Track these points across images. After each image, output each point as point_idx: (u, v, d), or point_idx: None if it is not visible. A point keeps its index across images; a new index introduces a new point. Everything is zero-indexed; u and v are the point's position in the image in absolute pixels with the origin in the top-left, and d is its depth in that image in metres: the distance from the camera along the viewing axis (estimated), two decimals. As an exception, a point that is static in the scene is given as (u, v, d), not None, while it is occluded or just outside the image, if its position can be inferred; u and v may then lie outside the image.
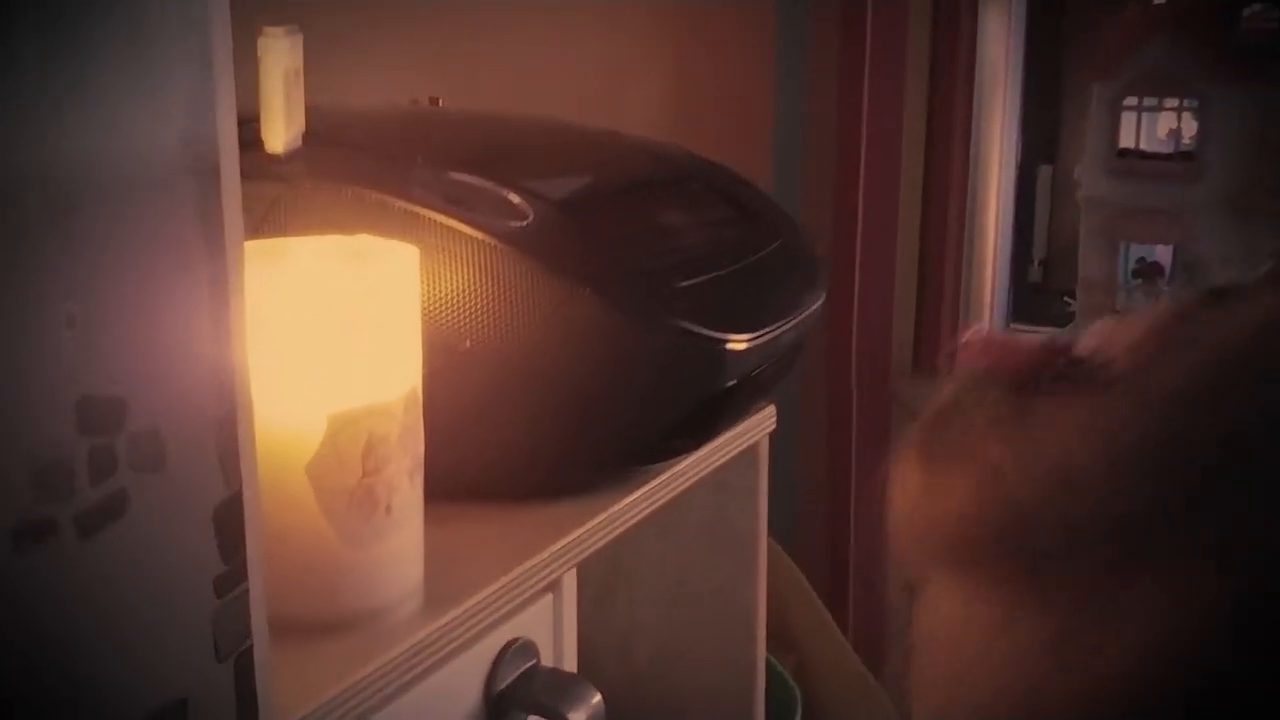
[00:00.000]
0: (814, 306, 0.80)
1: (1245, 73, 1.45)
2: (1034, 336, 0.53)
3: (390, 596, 0.54)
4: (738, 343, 0.69)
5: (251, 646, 0.43)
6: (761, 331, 0.71)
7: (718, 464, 0.78)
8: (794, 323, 0.76)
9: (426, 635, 0.54)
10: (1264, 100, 1.44)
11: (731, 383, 0.70)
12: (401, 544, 0.54)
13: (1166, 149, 1.52)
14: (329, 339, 0.51)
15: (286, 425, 0.51)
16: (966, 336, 0.56)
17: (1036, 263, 1.85)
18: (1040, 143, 1.80)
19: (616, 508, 0.67)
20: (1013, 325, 1.81)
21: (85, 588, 0.37)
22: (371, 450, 0.52)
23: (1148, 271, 1.57)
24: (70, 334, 0.36)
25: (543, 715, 0.59)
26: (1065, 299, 1.80)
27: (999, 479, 0.47)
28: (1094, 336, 0.48)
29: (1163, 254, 1.54)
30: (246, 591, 0.43)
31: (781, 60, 1.60)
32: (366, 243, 0.54)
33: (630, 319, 0.64)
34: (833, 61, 1.66)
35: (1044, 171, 1.81)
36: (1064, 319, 1.78)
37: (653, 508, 0.70)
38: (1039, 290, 1.85)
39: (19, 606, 0.36)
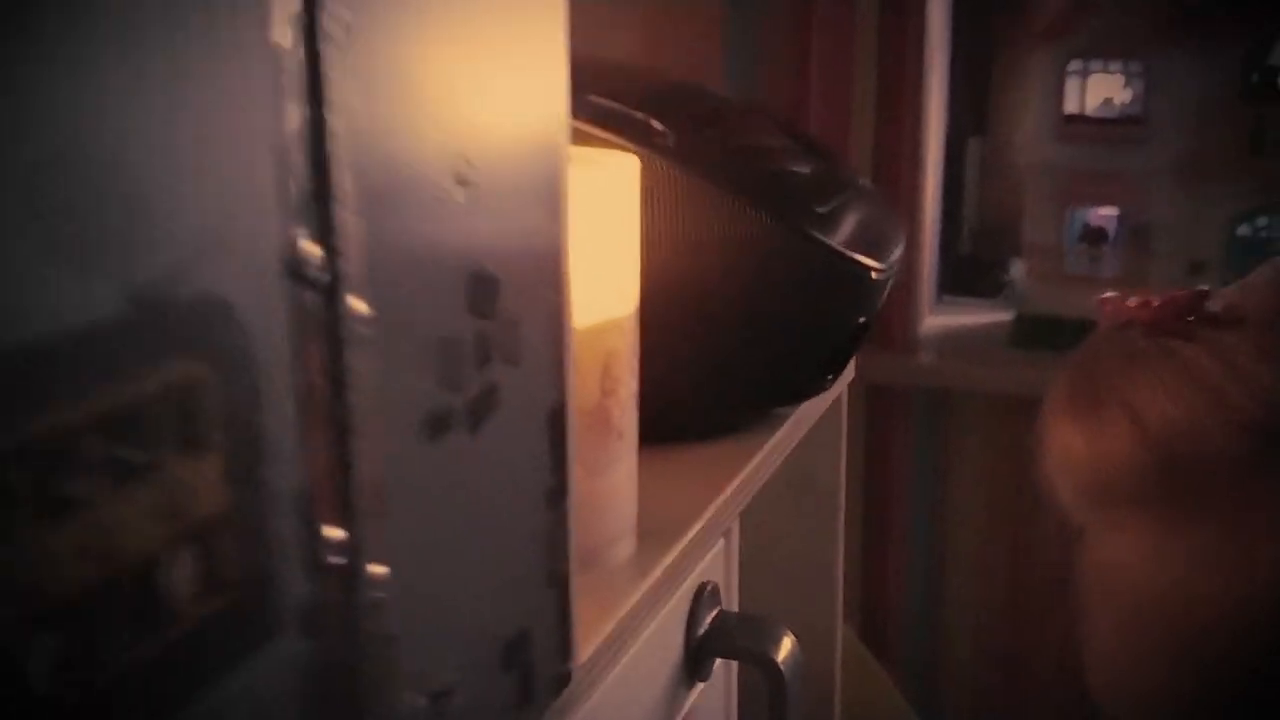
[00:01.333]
0: (902, 247, 0.78)
1: (1189, 35, 1.49)
2: (1167, 291, 0.53)
3: (612, 531, 0.50)
4: (879, 271, 0.66)
5: (568, 569, 0.39)
6: (889, 263, 0.69)
7: (823, 409, 0.75)
8: (897, 259, 0.74)
9: (653, 577, 0.50)
10: (1207, 63, 1.48)
11: (872, 312, 0.68)
12: (628, 473, 0.50)
13: (1112, 114, 1.55)
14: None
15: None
16: (1104, 296, 0.57)
17: (966, 233, 1.87)
18: (969, 115, 1.82)
19: (772, 442, 0.63)
20: (945, 297, 1.83)
21: (468, 489, 0.32)
22: (608, 370, 0.48)
23: (1091, 237, 1.60)
24: (464, 193, 0.31)
25: (745, 658, 0.56)
26: (995, 269, 1.82)
27: (1152, 417, 0.51)
28: (1222, 296, 0.53)
29: (1105, 219, 1.57)
30: (569, 510, 0.38)
31: (733, 39, 1.58)
32: (586, 153, 0.50)
33: (788, 234, 0.61)
34: (782, 43, 1.65)
35: (973, 143, 1.83)
36: (996, 289, 1.80)
37: (790, 448, 0.67)
38: (969, 261, 1.88)
39: (424, 504, 0.30)
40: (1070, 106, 1.56)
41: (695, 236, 0.58)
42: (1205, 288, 0.55)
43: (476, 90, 0.31)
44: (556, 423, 0.37)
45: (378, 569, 0.28)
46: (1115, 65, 1.54)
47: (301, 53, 0.24)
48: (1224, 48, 1.48)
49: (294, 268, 0.24)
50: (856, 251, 0.64)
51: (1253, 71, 1.48)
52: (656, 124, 0.62)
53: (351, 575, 0.27)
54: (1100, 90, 1.56)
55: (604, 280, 0.47)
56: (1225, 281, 1.30)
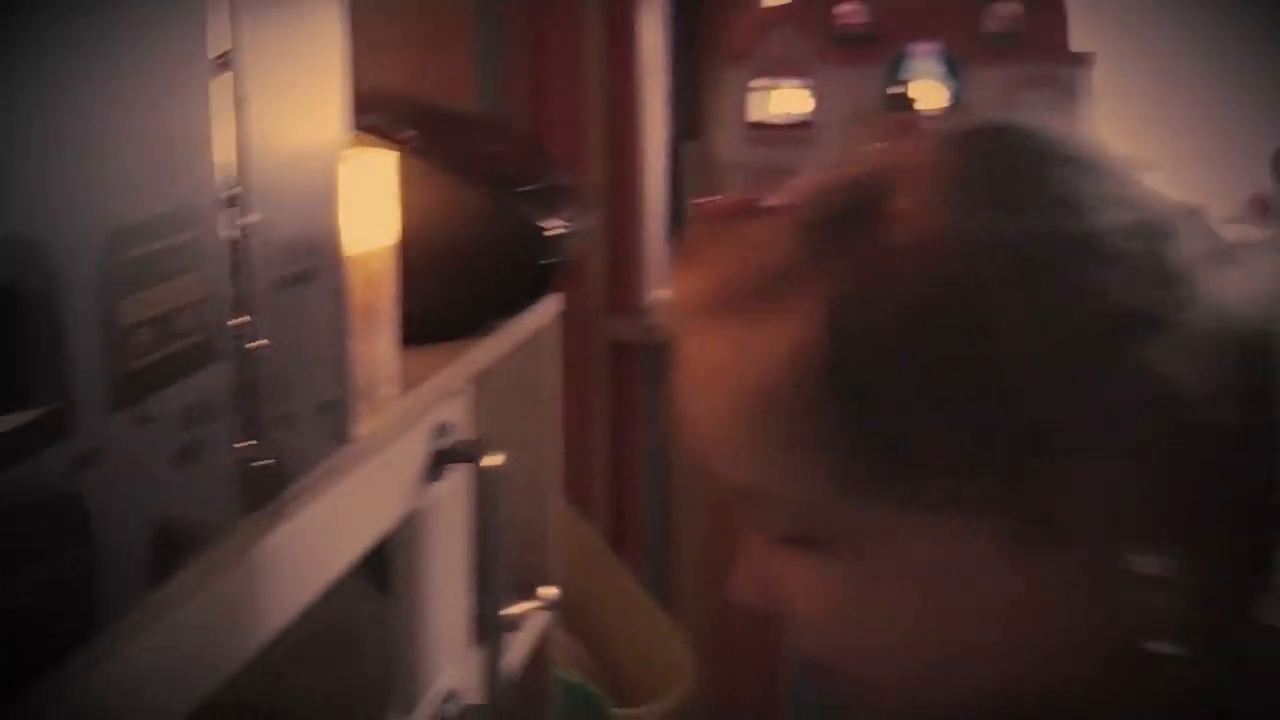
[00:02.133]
0: (587, 219, 1.12)
1: (844, 57, 1.88)
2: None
3: (381, 376, 0.83)
4: (553, 229, 1.00)
5: (350, 380, 0.71)
6: (567, 227, 1.03)
7: (536, 326, 1.09)
8: (578, 225, 1.08)
9: (403, 405, 0.83)
10: (859, 78, 1.88)
11: (554, 258, 1.02)
12: (389, 343, 0.82)
13: (788, 120, 1.94)
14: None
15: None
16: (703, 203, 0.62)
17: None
18: (685, 123, 2.19)
19: (488, 341, 0.97)
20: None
21: (309, 332, 0.64)
22: (374, 280, 0.80)
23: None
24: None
25: (461, 459, 0.88)
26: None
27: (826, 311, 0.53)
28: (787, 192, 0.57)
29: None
30: (349, 355, 0.70)
31: (481, 66, 1.91)
32: (362, 151, 0.82)
33: (494, 201, 0.94)
34: (523, 65, 1.98)
35: (688, 145, 2.20)
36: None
37: (511, 344, 1.01)
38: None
39: (286, 333, 0.62)
40: (755, 115, 1.93)
41: (432, 201, 0.91)
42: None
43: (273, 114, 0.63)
44: (343, 307, 0.69)
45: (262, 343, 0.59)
46: (790, 80, 1.92)
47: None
48: (869, 66, 1.88)
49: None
50: (539, 216, 0.98)
51: (889, 85, 1.89)
52: (409, 133, 0.95)
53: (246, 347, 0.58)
54: (781, 101, 1.94)
55: (371, 228, 0.79)
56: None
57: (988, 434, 0.52)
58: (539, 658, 1.23)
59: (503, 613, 0.97)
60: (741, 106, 1.94)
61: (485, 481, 0.87)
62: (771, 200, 0.59)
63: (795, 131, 1.92)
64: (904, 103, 1.90)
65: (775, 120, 1.94)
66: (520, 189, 0.97)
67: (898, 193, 0.54)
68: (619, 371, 2.07)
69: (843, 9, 1.87)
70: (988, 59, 1.83)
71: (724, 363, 0.57)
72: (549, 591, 1.18)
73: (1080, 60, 1.82)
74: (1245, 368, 0.53)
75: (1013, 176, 0.55)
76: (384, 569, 0.84)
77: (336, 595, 0.71)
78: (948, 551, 0.54)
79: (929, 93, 1.91)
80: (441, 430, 0.87)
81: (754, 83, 1.93)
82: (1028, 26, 1.81)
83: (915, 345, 0.52)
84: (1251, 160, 1.82)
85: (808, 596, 0.57)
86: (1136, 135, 0.69)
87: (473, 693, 0.93)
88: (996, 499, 0.53)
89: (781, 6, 1.95)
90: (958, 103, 1.86)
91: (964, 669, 0.57)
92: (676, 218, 2.18)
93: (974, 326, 0.52)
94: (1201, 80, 1.94)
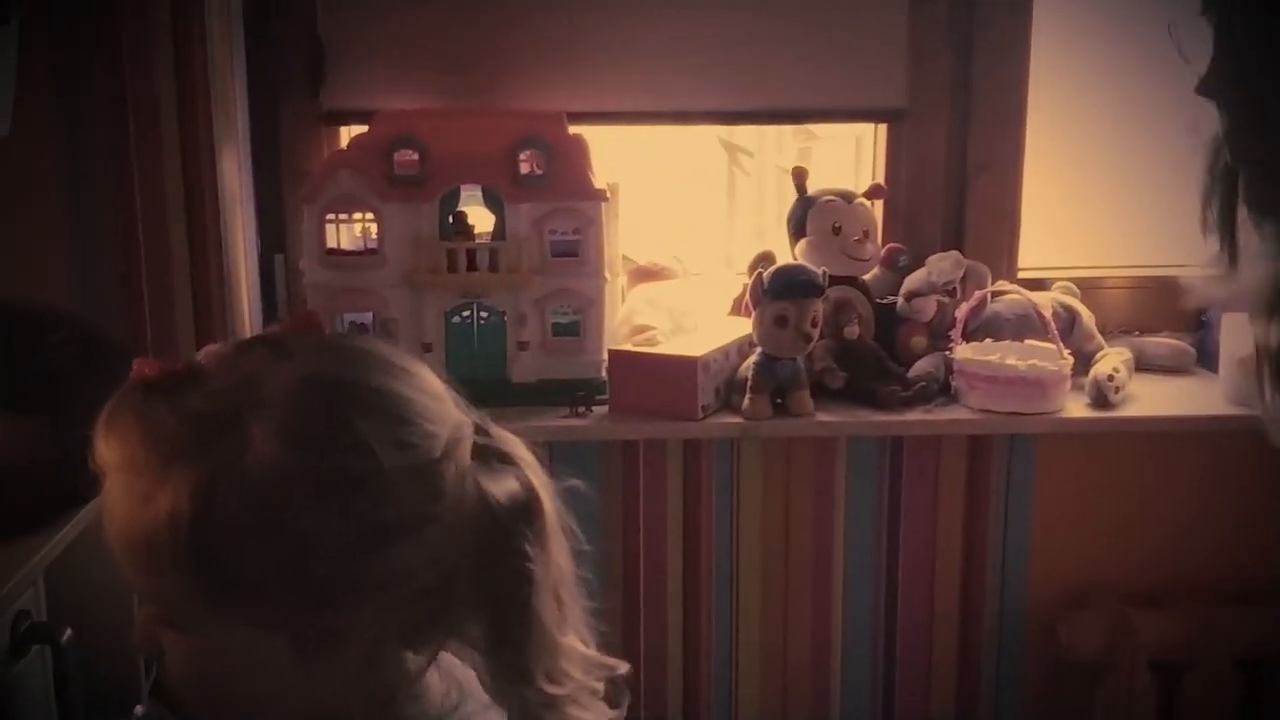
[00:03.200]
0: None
1: (402, 194, 2.20)
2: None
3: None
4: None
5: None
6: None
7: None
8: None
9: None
10: (416, 210, 2.20)
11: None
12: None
13: (359, 246, 2.24)
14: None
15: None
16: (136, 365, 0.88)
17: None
18: (273, 238, 2.45)
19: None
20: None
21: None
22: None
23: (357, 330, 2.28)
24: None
25: (38, 640, 1.14)
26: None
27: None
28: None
29: (364, 318, 2.25)
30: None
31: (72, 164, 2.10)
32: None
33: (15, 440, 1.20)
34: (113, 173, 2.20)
35: (278, 259, 2.46)
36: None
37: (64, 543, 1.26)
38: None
39: None
40: (330, 243, 2.22)
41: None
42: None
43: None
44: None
45: None
46: (357, 214, 2.22)
47: None
48: (427, 200, 2.21)
49: None
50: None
51: (446, 216, 2.22)
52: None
53: None
54: (351, 232, 2.24)
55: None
56: (447, 355, 2.06)
57: (287, 588, 0.85)
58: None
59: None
60: (319, 236, 2.22)
61: (62, 657, 1.13)
62: (180, 366, 0.87)
63: (364, 258, 2.23)
64: (463, 228, 2.24)
65: (347, 248, 2.24)
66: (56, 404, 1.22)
67: (254, 420, 0.84)
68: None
69: (400, 157, 2.18)
70: (521, 197, 2.19)
71: (125, 510, 0.86)
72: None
73: (599, 195, 2.21)
74: (482, 541, 0.89)
75: (328, 426, 0.86)
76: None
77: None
78: (255, 647, 0.87)
79: (480, 220, 2.26)
80: (20, 618, 1.12)
81: (328, 215, 2.22)
82: (550, 171, 2.19)
83: (249, 528, 0.83)
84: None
85: (172, 658, 0.89)
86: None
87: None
88: (288, 622, 0.86)
89: (345, 151, 2.25)
90: (501, 228, 2.21)
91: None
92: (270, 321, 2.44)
93: (286, 527, 0.84)
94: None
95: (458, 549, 0.88)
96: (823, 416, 2.19)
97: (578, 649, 0.95)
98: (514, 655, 0.90)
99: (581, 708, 0.94)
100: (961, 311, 2.27)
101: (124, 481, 0.86)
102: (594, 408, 2.23)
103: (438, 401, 0.92)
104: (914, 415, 2.21)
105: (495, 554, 0.89)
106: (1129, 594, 2.36)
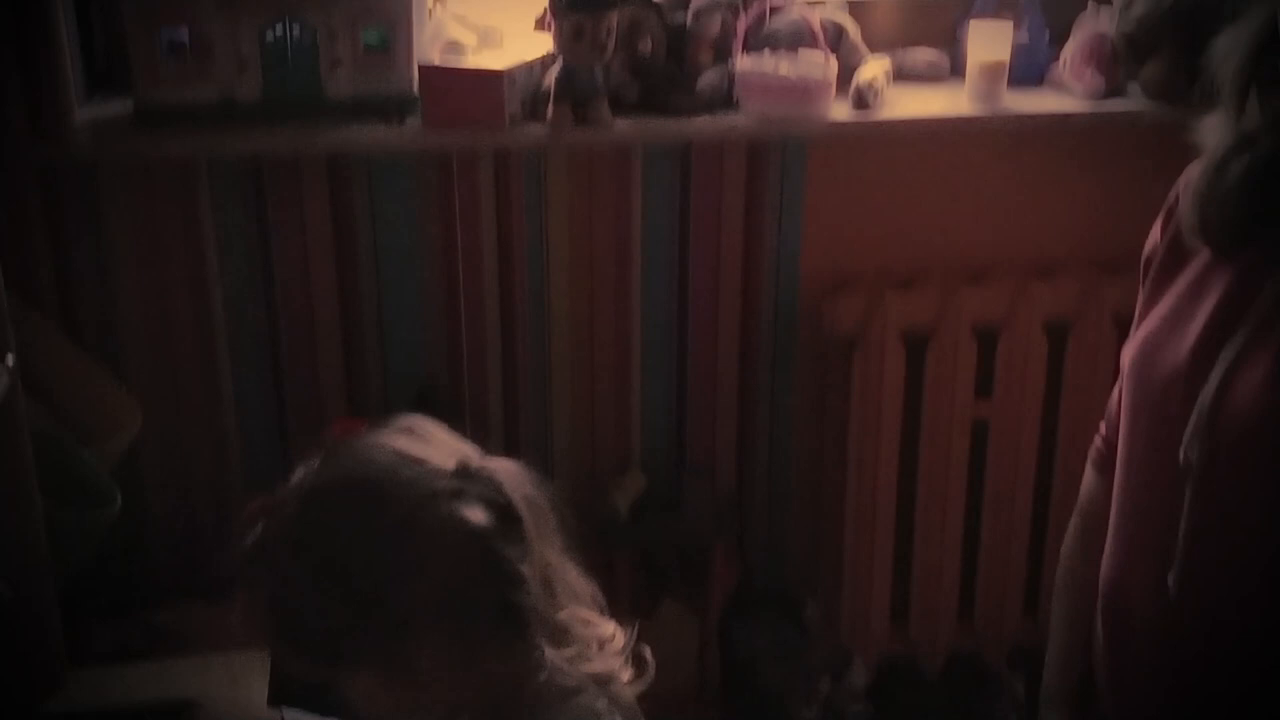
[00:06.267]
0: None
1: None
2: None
3: None
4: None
5: None
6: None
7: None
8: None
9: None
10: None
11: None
12: None
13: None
14: None
15: None
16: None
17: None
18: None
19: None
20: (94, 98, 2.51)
21: None
22: None
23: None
24: None
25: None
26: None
27: None
28: None
29: (183, 35, 2.33)
30: None
31: None
32: None
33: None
34: None
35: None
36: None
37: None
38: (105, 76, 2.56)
39: None
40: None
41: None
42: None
43: None
44: None
45: None
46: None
47: None
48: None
49: None
50: None
51: None
52: None
53: None
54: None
55: None
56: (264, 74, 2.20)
57: (334, 649, 1.17)
58: (8, 415, 1.66)
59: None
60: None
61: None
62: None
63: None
64: None
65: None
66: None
67: (281, 545, 1.17)
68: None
69: None
70: None
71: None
72: (10, 358, 1.61)
73: None
74: (475, 558, 1.16)
75: (321, 533, 1.16)
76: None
77: None
78: (360, 683, 1.19)
79: None
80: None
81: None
82: None
83: (291, 621, 1.17)
84: None
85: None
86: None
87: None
88: (359, 666, 1.17)
89: None
90: None
91: None
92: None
93: (310, 614, 1.16)
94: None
95: (456, 571, 1.13)
96: (621, 126, 2.42)
97: (576, 614, 1.23)
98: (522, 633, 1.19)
99: (587, 660, 1.22)
100: (742, 25, 2.49)
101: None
102: (407, 120, 2.40)
103: (413, 464, 1.16)
104: (701, 121, 2.45)
105: (488, 565, 1.14)
106: (885, 276, 2.70)
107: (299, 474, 1.19)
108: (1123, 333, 1.46)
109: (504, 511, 1.15)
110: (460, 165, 2.55)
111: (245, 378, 2.62)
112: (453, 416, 1.30)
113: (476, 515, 1.13)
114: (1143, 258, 1.44)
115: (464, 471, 1.16)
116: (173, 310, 2.54)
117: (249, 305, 2.57)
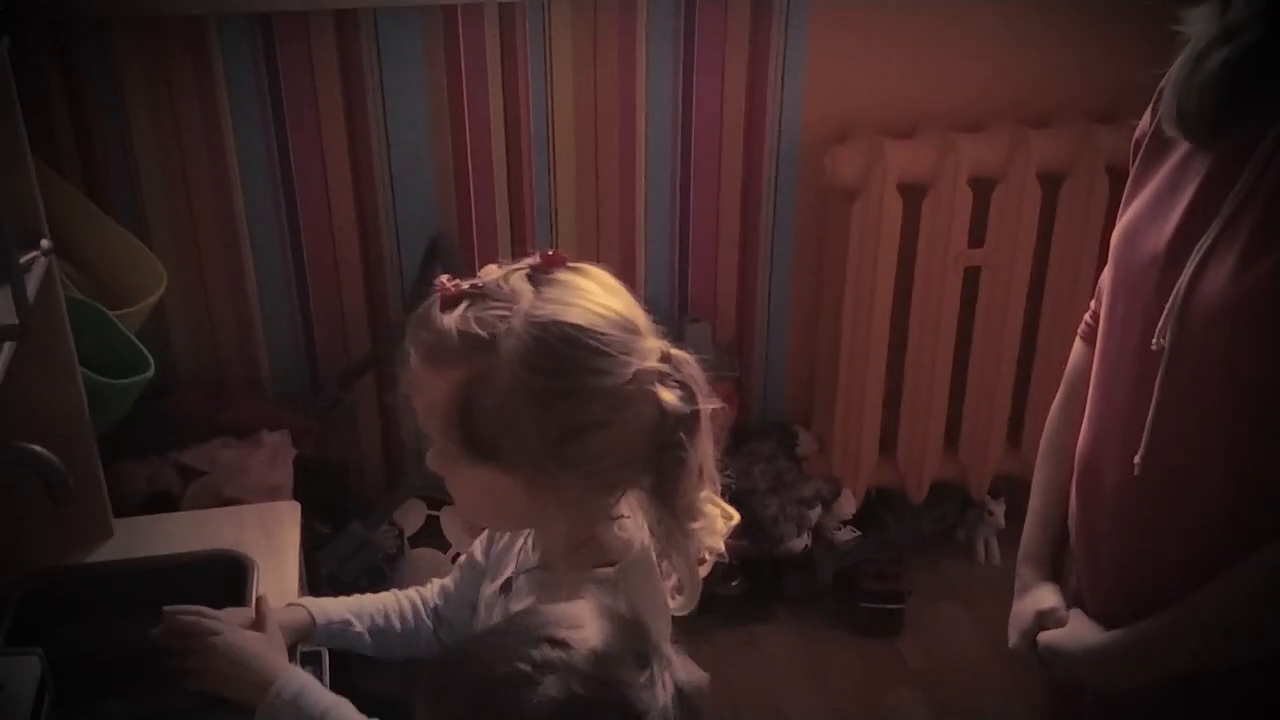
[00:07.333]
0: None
1: None
2: None
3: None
4: None
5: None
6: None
7: None
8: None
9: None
10: None
11: None
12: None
13: None
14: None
15: None
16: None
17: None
18: None
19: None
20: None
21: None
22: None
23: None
24: None
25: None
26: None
27: None
28: None
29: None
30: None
31: None
32: None
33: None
34: None
35: None
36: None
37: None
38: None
39: None
40: None
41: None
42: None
43: None
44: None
45: None
46: None
47: None
48: None
49: None
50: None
51: None
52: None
53: None
54: None
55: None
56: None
57: (519, 455, 1.25)
58: (49, 288, 1.74)
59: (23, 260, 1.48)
60: None
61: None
62: (464, 288, 1.26)
63: None
64: None
65: None
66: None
67: (504, 344, 1.22)
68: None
69: None
70: None
71: (420, 384, 1.28)
72: (45, 242, 1.68)
73: None
74: (654, 437, 1.29)
75: (555, 359, 1.22)
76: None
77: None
78: (498, 484, 1.28)
79: None
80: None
81: None
82: None
83: (492, 416, 1.23)
84: None
85: (449, 482, 1.33)
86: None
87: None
88: (520, 472, 1.27)
89: None
90: None
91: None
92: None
93: (518, 419, 1.23)
94: None
95: (636, 440, 1.26)
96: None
97: (711, 500, 1.35)
98: (666, 503, 1.31)
99: (709, 534, 1.35)
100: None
101: (421, 364, 1.26)
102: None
103: (635, 336, 1.26)
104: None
105: (662, 445, 1.27)
106: (884, 128, 2.75)
107: (505, 284, 1.26)
108: (1116, 184, 1.46)
109: (690, 405, 1.29)
110: (465, 16, 2.56)
111: (261, 234, 2.68)
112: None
113: (674, 400, 1.27)
114: (1133, 140, 1.46)
115: (667, 357, 1.29)
116: (191, 169, 2.59)
117: (263, 161, 2.62)
